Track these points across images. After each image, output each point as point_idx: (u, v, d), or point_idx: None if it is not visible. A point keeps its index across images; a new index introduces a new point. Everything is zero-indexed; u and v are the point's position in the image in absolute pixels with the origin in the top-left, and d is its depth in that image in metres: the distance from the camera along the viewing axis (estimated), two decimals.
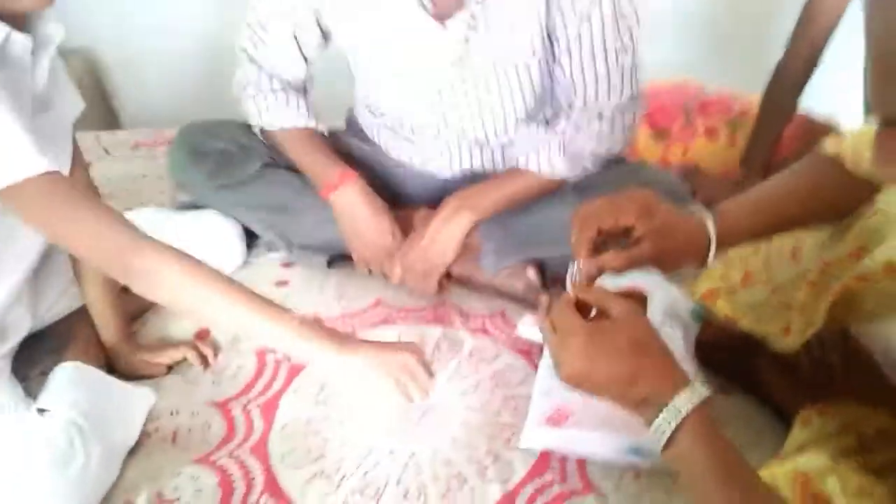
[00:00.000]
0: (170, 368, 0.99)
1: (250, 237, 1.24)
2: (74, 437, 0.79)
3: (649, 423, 0.62)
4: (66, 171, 0.89)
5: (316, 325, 0.84)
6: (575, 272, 0.74)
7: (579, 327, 0.64)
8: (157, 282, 0.76)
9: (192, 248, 1.08)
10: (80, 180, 0.96)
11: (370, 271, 1.17)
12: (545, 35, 1.07)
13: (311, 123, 1.19)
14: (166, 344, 1.02)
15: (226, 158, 1.20)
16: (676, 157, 1.38)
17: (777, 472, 0.72)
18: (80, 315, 1.00)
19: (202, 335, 1.05)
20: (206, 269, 0.80)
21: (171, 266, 0.76)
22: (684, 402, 0.61)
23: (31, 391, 0.89)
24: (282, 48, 1.14)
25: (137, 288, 0.77)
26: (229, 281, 0.81)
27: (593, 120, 1.10)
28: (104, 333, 0.98)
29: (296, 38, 1.14)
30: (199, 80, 2.07)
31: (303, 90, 1.22)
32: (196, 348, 1.00)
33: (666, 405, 0.60)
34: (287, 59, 1.16)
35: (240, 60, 1.18)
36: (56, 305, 1.00)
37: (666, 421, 0.61)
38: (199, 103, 1.88)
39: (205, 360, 0.99)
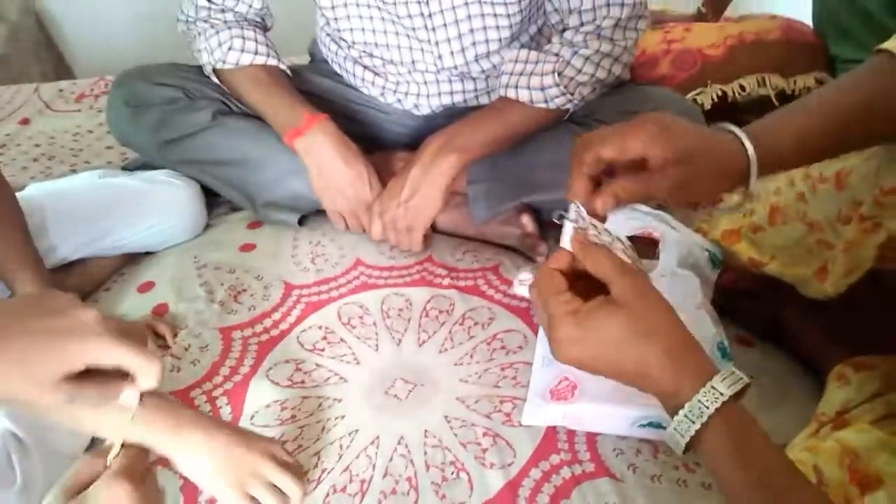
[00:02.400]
0: None
1: (210, 196, 1.10)
2: (11, 452, 0.69)
3: (669, 415, 0.52)
4: None
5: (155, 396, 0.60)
6: (574, 219, 0.60)
7: (566, 314, 0.52)
8: None
9: (147, 217, 0.99)
10: None
11: (347, 227, 1.05)
12: None
13: (272, 60, 1.03)
14: (119, 324, 0.90)
15: (171, 109, 1.05)
16: (678, 40, 1.24)
17: (820, 448, 0.63)
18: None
19: (158, 311, 0.93)
20: None
21: None
22: (702, 406, 0.49)
23: None
24: None
25: None
26: None
27: (591, 39, 0.95)
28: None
29: None
30: (158, 18, 1.88)
31: (260, 24, 1.07)
32: (152, 329, 0.89)
33: (686, 402, 0.49)
34: None
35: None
36: None
37: (681, 429, 0.50)
38: (156, 44, 1.71)
39: (164, 343, 0.88)
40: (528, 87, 0.96)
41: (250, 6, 1.03)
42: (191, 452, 0.62)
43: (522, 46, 1.04)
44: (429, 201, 0.97)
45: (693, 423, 0.49)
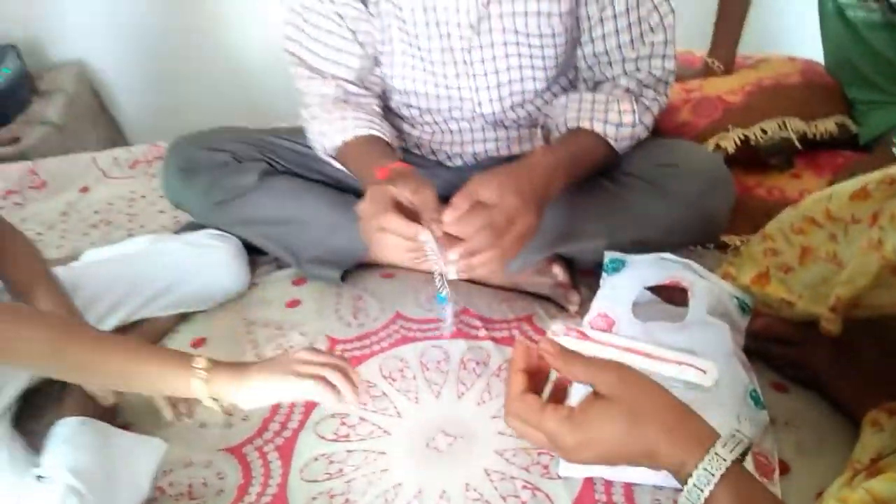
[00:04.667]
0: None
1: (256, 255, 1.17)
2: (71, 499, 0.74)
3: (681, 485, 0.54)
4: None
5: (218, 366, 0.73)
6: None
7: (562, 423, 0.54)
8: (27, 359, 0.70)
9: (192, 276, 1.05)
10: None
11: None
12: (574, 1, 0.98)
13: (360, 131, 1.02)
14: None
15: (220, 172, 1.12)
16: (696, 89, 1.28)
17: (850, 500, 0.63)
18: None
19: None
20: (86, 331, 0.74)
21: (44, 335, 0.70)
22: (708, 475, 0.51)
23: (39, 445, 0.84)
24: (328, 32, 1.04)
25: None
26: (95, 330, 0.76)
27: (641, 89, 1.02)
28: None
29: (339, 14, 1.02)
30: (200, 86, 2.01)
31: (361, 88, 1.09)
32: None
33: (693, 472, 0.52)
34: (335, 44, 1.04)
35: (293, 76, 1.08)
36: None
37: (696, 490, 0.52)
38: (201, 110, 1.82)
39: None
40: (605, 122, 0.98)
41: (349, 67, 1.06)
42: (249, 385, 0.72)
43: (555, 95, 1.09)
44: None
45: (702, 491, 0.51)
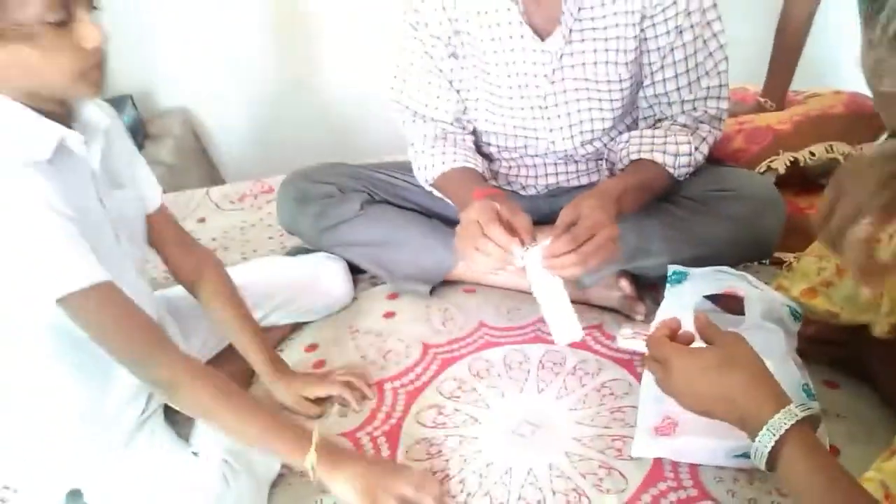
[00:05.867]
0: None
1: (356, 273, 1.34)
2: (227, 474, 0.90)
3: (752, 438, 0.66)
4: (140, 252, 0.96)
5: (328, 447, 0.85)
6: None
7: (678, 351, 0.70)
8: (179, 397, 0.84)
9: (306, 291, 1.23)
10: (172, 237, 1.05)
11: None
12: (638, 50, 1.12)
13: (459, 163, 1.19)
14: (321, 376, 1.08)
15: (327, 201, 1.30)
16: (749, 121, 1.41)
17: (885, 468, 0.73)
18: (228, 353, 1.09)
19: (318, 365, 1.15)
20: (228, 387, 0.85)
21: (206, 389, 0.83)
22: (780, 422, 0.65)
23: (183, 433, 1.00)
24: (428, 83, 1.21)
25: (172, 401, 0.85)
26: (247, 400, 0.87)
27: (697, 125, 1.15)
28: (257, 369, 1.05)
29: (439, 69, 1.19)
30: (289, 127, 2.22)
31: (462, 128, 1.25)
32: (351, 386, 1.06)
33: (765, 424, 0.64)
34: (435, 92, 1.21)
35: (398, 120, 1.26)
36: (204, 347, 1.11)
37: (764, 441, 0.65)
38: (288, 150, 2.04)
39: (363, 397, 1.06)
40: (664, 152, 1.12)
41: (446, 111, 1.22)
42: (342, 480, 0.83)
43: (620, 133, 1.23)
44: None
45: (773, 435, 0.63)
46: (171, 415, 1.02)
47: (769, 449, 0.64)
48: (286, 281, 1.22)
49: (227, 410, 0.84)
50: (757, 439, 0.65)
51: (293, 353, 1.19)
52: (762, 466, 0.66)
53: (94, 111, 0.87)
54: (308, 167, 1.36)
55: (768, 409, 0.65)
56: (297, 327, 1.25)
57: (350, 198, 1.29)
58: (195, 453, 0.95)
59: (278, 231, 1.49)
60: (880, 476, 0.73)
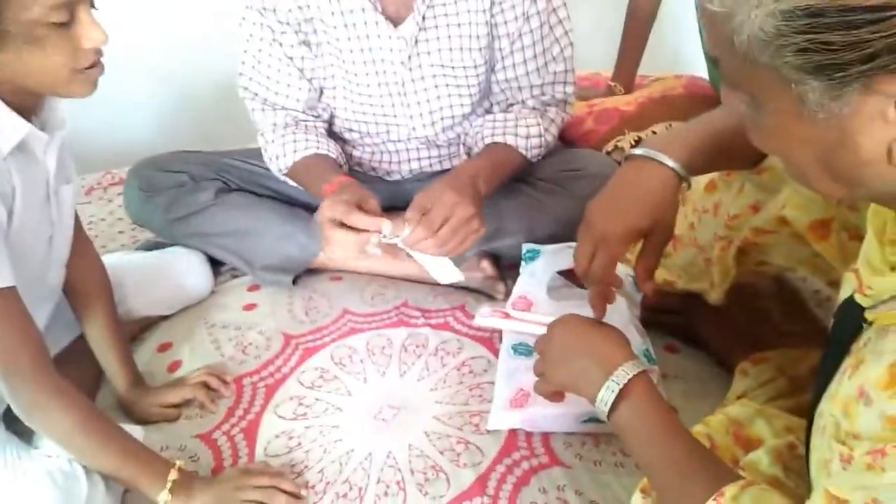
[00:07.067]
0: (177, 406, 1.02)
1: (216, 265, 1.28)
2: (77, 468, 0.84)
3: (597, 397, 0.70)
4: (65, 250, 0.93)
5: (185, 482, 0.83)
6: None
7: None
8: (50, 424, 0.81)
9: (162, 286, 1.16)
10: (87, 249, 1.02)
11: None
12: (490, 35, 1.13)
13: (311, 151, 1.16)
14: (175, 383, 1.04)
15: (178, 191, 1.23)
16: (598, 103, 1.48)
17: (711, 422, 0.80)
18: (82, 351, 1.03)
19: (173, 367, 1.09)
20: (101, 420, 0.83)
21: (69, 414, 0.80)
22: (622, 375, 0.69)
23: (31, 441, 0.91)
24: (277, 71, 1.16)
25: (29, 421, 0.81)
26: (109, 430, 0.84)
27: (548, 108, 1.18)
28: (115, 383, 1.01)
29: (288, 56, 1.15)
30: (148, 115, 2.09)
31: (313, 115, 1.22)
32: (206, 385, 1.02)
33: (612, 373, 0.69)
34: (285, 80, 1.17)
35: (248, 108, 1.21)
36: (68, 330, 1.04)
37: (608, 391, 0.69)
38: (144, 139, 1.91)
39: (216, 396, 1.03)
40: (515, 135, 1.15)
41: (298, 99, 1.18)
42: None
43: (479, 117, 1.24)
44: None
45: (618, 384, 0.69)
46: (12, 424, 0.93)
47: (613, 398, 0.69)
48: (135, 273, 1.15)
49: (88, 440, 0.82)
50: (603, 389, 0.69)
51: (144, 354, 1.12)
52: (604, 416, 0.70)
53: (57, 106, 0.85)
54: (157, 155, 1.29)
55: (619, 358, 0.70)
56: (147, 326, 1.18)
57: (202, 186, 1.23)
58: (49, 456, 0.87)
59: (130, 226, 1.41)
60: (707, 430, 0.79)
